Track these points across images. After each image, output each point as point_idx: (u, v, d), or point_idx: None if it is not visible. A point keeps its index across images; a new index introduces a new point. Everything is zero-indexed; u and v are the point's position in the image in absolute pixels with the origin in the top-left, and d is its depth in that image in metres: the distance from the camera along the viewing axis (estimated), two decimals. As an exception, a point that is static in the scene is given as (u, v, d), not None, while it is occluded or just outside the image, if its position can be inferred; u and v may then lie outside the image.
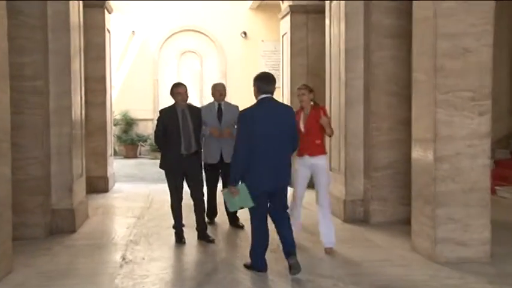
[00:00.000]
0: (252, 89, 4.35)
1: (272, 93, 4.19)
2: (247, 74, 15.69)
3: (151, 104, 15.54)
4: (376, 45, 6.25)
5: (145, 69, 15.45)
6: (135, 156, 14.95)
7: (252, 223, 4.31)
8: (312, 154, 4.99)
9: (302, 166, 5.09)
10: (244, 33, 15.52)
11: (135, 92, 15.14)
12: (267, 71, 16.44)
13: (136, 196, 8.52)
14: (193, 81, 15.85)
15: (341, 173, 6.67)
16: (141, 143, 15.10)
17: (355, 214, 6.52)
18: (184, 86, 5.46)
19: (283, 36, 9.88)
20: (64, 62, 5.94)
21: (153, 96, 15.58)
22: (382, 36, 6.24)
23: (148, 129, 15.39)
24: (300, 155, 5.09)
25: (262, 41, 15.68)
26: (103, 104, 8.94)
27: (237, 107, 5.91)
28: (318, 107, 5.05)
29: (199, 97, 15.37)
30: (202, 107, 6.22)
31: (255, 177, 4.04)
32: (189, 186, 5.51)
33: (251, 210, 4.23)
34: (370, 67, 6.31)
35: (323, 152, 5.07)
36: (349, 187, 6.54)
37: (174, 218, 5.58)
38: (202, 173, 5.72)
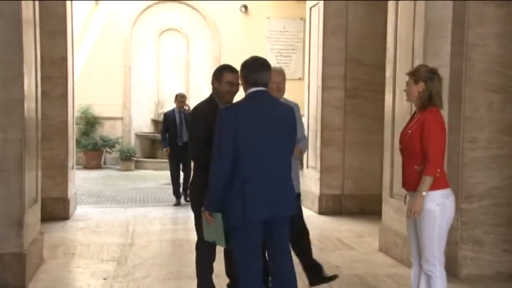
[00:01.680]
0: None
1: (266, 85, 3.66)
2: (249, 61, 14.72)
3: (121, 98, 14.69)
4: (475, 16, 5.25)
5: (113, 52, 14.59)
6: (98, 167, 14.14)
7: (239, 277, 3.71)
8: (408, 188, 3.87)
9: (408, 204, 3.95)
10: (245, 7, 14.82)
11: (100, 82, 14.24)
12: (274, 56, 15.61)
13: (111, 226, 7.50)
14: (177, 69, 14.91)
15: (414, 202, 5.66)
16: (107, 149, 14.23)
17: (435, 263, 5.52)
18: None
19: (311, 8, 8.96)
20: (12, 32, 4.94)
21: (123, 87, 14.72)
22: (483, 3, 5.24)
23: (116, 131, 14.50)
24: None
25: (268, 18, 14.93)
26: (63, 96, 7.94)
27: (297, 106, 4.64)
28: (427, 112, 3.78)
29: (186, 89, 14.35)
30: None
31: (241, 202, 3.53)
32: None
33: (236, 254, 3.68)
34: (464, 50, 5.31)
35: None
36: (426, 223, 5.53)
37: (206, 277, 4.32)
38: None
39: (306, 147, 5.11)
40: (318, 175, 8.45)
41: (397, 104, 6.08)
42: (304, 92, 9.13)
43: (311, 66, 8.91)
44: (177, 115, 9.15)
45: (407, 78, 3.90)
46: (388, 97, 6.26)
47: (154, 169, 13.45)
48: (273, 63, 15.87)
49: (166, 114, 9.43)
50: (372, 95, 8.16)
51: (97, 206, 9.08)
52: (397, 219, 5.97)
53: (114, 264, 5.65)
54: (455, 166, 5.45)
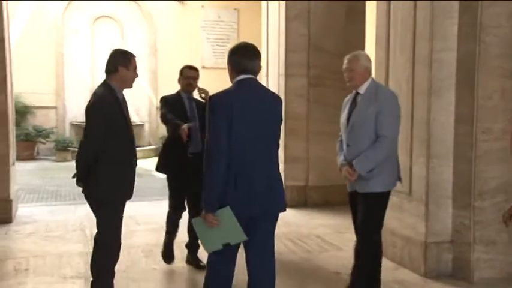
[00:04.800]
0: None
1: (256, 73, 3.25)
2: (184, 51, 13.34)
3: (54, 86, 12.78)
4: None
5: (45, 38, 12.61)
6: (31, 158, 12.17)
7: (208, 265, 3.23)
8: None
9: None
10: (181, -5, 13.22)
11: (31, 69, 12.19)
12: (210, 46, 14.22)
13: (64, 230, 5.90)
14: (112, 57, 13.09)
15: (417, 199, 4.72)
16: (40, 139, 12.27)
17: (441, 265, 4.62)
18: None
19: (269, -8, 7.70)
20: None
21: (55, 75, 12.76)
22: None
23: (50, 120, 12.67)
24: None
25: (203, 6, 13.54)
26: (2, 82, 6.24)
27: (387, 100, 4.00)
28: None
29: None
30: None
31: (233, 196, 3.05)
32: None
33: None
34: (477, 31, 4.35)
35: None
36: (432, 222, 4.62)
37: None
38: None
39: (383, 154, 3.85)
40: (282, 166, 7.26)
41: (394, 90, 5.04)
42: (263, 79, 7.94)
43: (270, 52, 7.72)
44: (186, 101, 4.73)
45: None
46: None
47: (92, 159, 11.81)
48: (210, 52, 14.24)
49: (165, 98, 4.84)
50: (334, 83, 7.15)
51: (41, 204, 7.34)
52: (395, 216, 4.94)
53: (82, 283, 4.23)
54: (467, 159, 4.49)
